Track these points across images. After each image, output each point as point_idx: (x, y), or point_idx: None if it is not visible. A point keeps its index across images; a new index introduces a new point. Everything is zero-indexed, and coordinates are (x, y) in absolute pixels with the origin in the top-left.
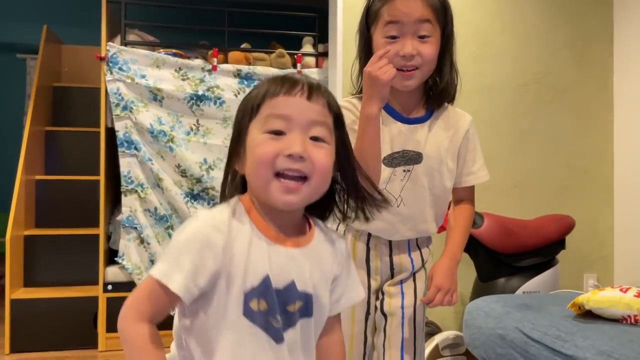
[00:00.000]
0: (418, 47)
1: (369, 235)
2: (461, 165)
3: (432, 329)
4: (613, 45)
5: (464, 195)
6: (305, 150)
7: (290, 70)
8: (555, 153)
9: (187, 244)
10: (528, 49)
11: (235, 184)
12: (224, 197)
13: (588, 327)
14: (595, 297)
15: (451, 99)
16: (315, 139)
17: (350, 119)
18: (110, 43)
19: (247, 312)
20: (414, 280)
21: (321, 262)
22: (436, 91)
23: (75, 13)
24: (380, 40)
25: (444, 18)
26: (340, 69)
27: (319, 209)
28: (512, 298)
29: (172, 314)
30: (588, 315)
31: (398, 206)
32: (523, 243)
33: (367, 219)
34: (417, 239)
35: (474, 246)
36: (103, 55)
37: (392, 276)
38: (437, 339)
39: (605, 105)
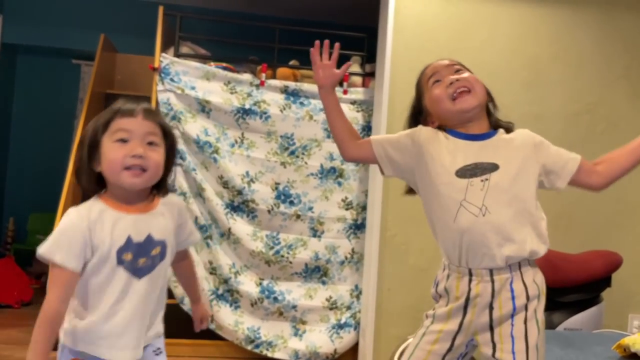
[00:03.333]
0: (460, 75)
1: (470, 275)
2: (553, 164)
3: None
4: None
5: (585, 169)
6: (144, 152)
7: (337, 89)
8: None
9: (67, 232)
10: (581, 78)
11: (93, 179)
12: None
13: None
14: None
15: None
16: (150, 143)
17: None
18: (163, 54)
19: (120, 261)
20: (525, 323)
21: (165, 219)
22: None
23: (132, 23)
24: (431, 90)
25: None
26: (386, 90)
27: (158, 186)
28: (554, 334)
29: None
30: (633, 358)
31: (484, 215)
32: (567, 278)
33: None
34: (519, 263)
35: None
36: (156, 65)
37: (492, 307)
38: None
39: None
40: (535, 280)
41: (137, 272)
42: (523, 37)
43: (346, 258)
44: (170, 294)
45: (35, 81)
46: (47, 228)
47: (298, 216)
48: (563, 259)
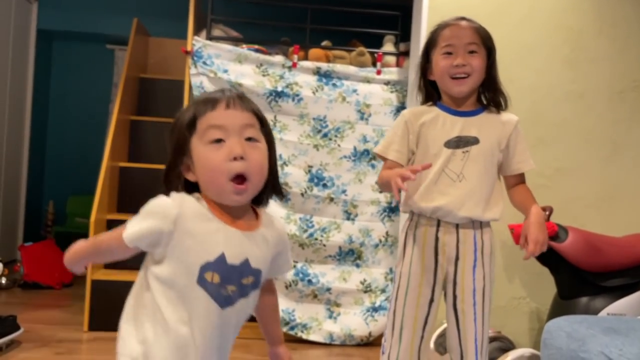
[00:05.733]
0: (468, 60)
1: (438, 223)
2: (512, 155)
3: (506, 345)
4: None
5: (518, 180)
6: (244, 152)
7: (370, 69)
8: None
9: (147, 213)
10: (627, 54)
11: (181, 187)
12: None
13: None
14: None
15: (503, 108)
16: (249, 139)
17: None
18: (196, 37)
19: (200, 281)
20: (484, 279)
21: (266, 244)
22: (492, 98)
23: (163, 7)
24: (439, 57)
25: (488, 42)
26: None
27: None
28: (597, 320)
29: None
30: None
31: (460, 181)
32: (610, 261)
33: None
34: (481, 222)
35: (555, 261)
36: (189, 49)
37: (457, 257)
38: (511, 355)
39: None
40: (491, 241)
41: (221, 300)
42: (565, 12)
43: (380, 241)
44: None
45: (71, 66)
46: (86, 210)
47: (331, 199)
48: (606, 242)
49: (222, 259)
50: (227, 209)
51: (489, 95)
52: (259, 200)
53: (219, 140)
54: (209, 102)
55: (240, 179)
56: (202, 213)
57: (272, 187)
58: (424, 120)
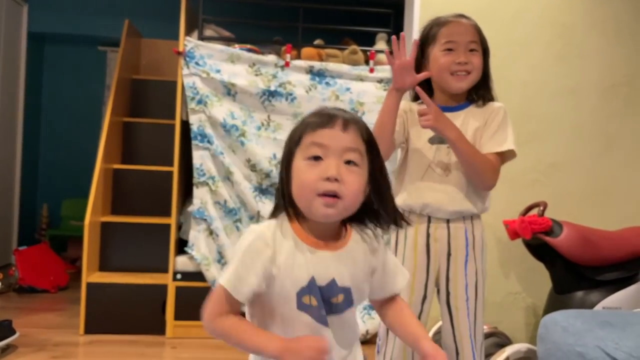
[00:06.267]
0: (469, 57)
1: (429, 219)
2: (482, 135)
3: (503, 340)
4: None
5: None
6: (339, 174)
7: (363, 67)
8: None
9: (246, 257)
10: (619, 49)
11: (290, 201)
12: (277, 212)
13: None
14: None
15: (489, 100)
16: (348, 162)
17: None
18: (188, 38)
19: (301, 306)
20: (476, 274)
21: (357, 260)
22: (480, 92)
23: (155, 8)
24: (439, 53)
25: (484, 41)
26: None
27: (358, 219)
28: (593, 314)
29: None
30: None
31: (447, 176)
32: (605, 255)
33: (399, 225)
34: (471, 216)
35: (550, 256)
36: (181, 49)
37: (449, 253)
38: (508, 351)
39: None
40: (482, 235)
41: (322, 320)
42: (556, 7)
43: None
44: (203, 278)
45: (63, 69)
46: (80, 213)
47: None
48: (600, 236)
49: (313, 282)
50: (314, 230)
51: (479, 92)
52: (360, 221)
53: (317, 158)
54: (318, 120)
55: (331, 195)
56: (289, 243)
57: (385, 211)
58: (412, 115)
